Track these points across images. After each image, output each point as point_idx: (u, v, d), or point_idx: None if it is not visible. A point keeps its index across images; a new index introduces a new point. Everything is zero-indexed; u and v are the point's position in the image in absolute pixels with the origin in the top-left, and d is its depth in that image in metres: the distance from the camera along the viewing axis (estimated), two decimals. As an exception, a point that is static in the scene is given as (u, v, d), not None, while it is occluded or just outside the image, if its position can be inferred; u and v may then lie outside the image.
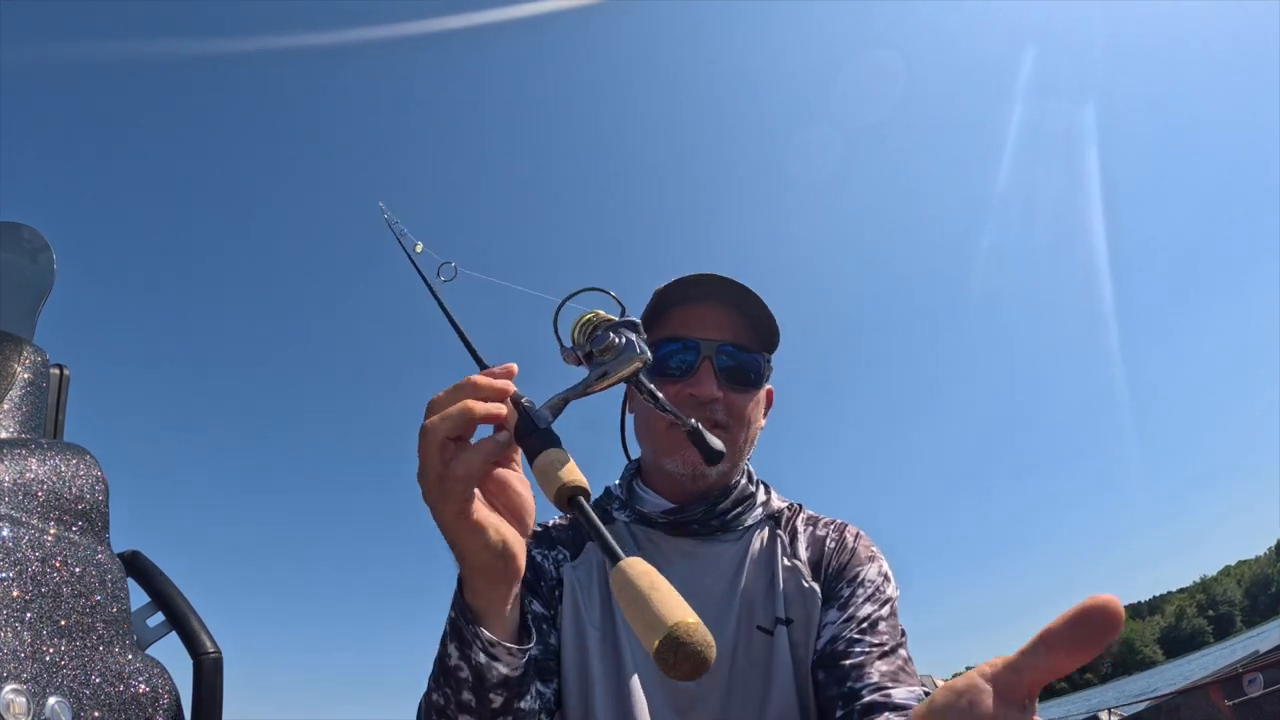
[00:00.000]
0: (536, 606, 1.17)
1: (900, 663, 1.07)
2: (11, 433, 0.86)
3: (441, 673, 0.83)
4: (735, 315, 1.25)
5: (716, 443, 0.95)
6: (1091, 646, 0.49)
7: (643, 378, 0.85)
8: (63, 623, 0.72)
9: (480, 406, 0.72)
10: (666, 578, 1.24)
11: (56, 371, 0.97)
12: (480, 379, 0.75)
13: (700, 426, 0.96)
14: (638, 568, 0.60)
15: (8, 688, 0.64)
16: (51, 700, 0.67)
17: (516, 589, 0.82)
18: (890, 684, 1.02)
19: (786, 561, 1.22)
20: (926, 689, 1.04)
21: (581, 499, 0.68)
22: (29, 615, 0.69)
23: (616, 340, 0.80)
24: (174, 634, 0.86)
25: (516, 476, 0.79)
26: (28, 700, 0.65)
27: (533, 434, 0.72)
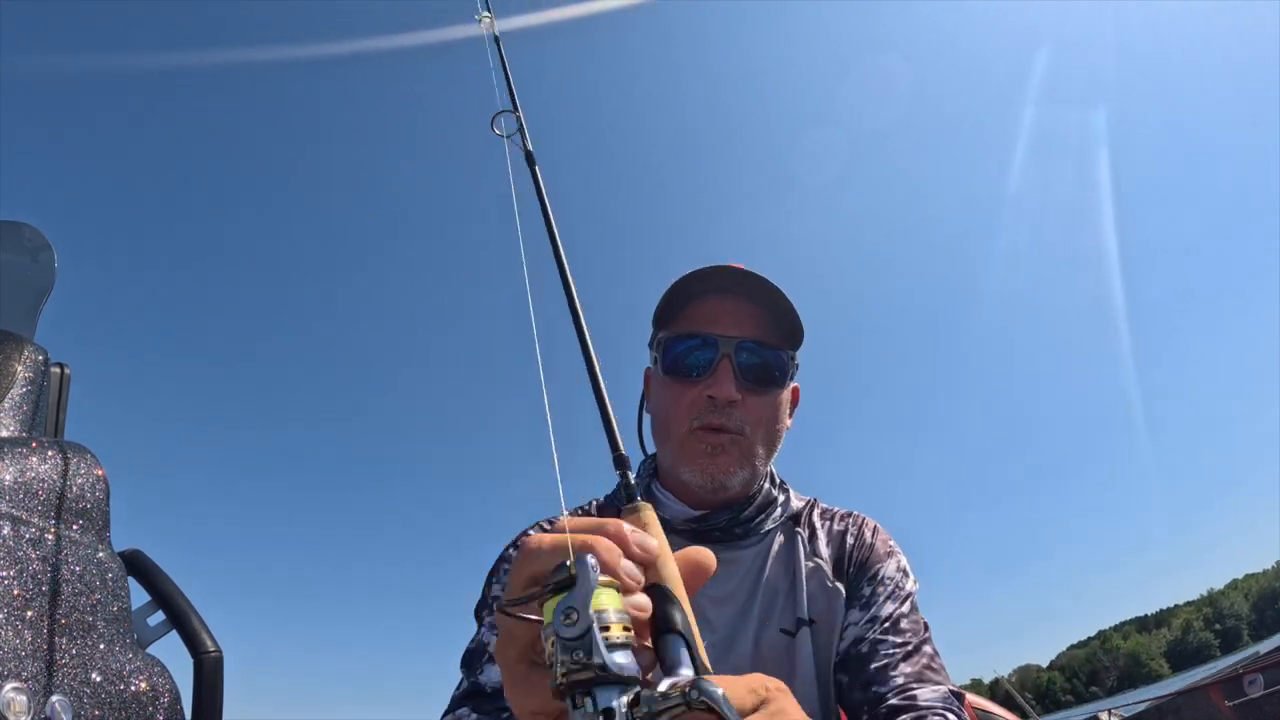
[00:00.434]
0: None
1: (925, 661, 1.06)
2: (12, 432, 0.86)
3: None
4: (757, 309, 1.18)
5: None
6: None
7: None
8: (63, 621, 0.72)
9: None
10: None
11: (57, 370, 0.96)
12: (627, 565, 0.55)
13: None
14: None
15: (8, 686, 0.63)
16: (52, 699, 0.66)
17: None
18: (915, 685, 1.02)
19: (808, 561, 1.19)
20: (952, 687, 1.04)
21: None
22: (30, 614, 0.69)
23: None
24: (174, 633, 0.85)
25: None
26: (28, 698, 0.64)
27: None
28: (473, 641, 1.11)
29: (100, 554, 0.79)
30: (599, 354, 0.74)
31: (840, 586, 1.16)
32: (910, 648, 1.06)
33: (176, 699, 0.77)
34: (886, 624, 1.10)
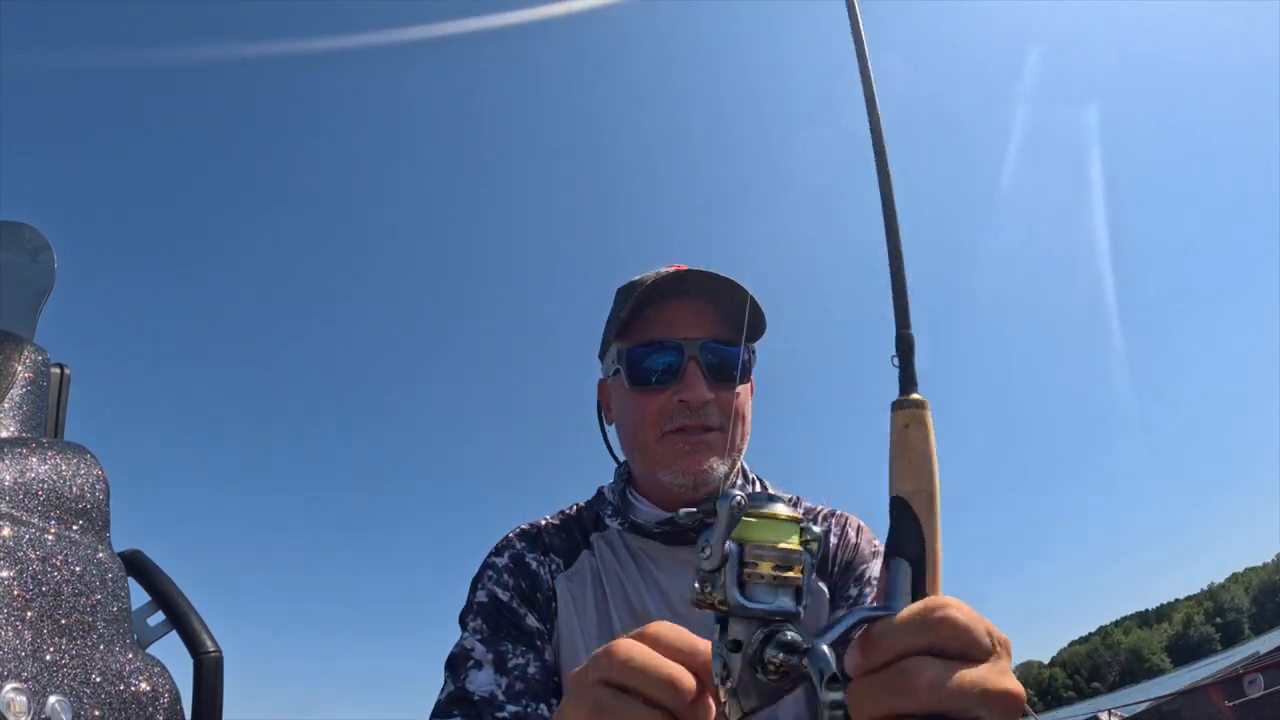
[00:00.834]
0: (531, 621, 1.13)
1: None
2: (12, 432, 0.86)
3: None
4: (714, 308, 1.18)
5: None
6: None
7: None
8: (63, 622, 0.72)
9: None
10: (660, 588, 1.22)
11: (57, 371, 0.96)
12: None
13: None
14: None
15: (8, 686, 0.63)
16: (52, 699, 0.66)
17: None
18: None
19: None
20: None
21: None
22: (29, 614, 0.69)
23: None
24: (174, 633, 0.85)
25: None
26: (28, 699, 0.64)
27: None
28: (456, 646, 1.11)
29: (100, 554, 0.79)
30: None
31: (824, 587, 1.15)
32: None
33: (176, 699, 0.77)
34: None
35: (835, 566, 1.18)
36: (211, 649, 0.85)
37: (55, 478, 0.79)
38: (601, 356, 1.28)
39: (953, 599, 0.55)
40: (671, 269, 1.19)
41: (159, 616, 0.86)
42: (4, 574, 0.69)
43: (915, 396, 0.60)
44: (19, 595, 0.69)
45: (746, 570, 0.55)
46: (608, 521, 1.25)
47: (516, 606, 1.14)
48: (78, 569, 0.75)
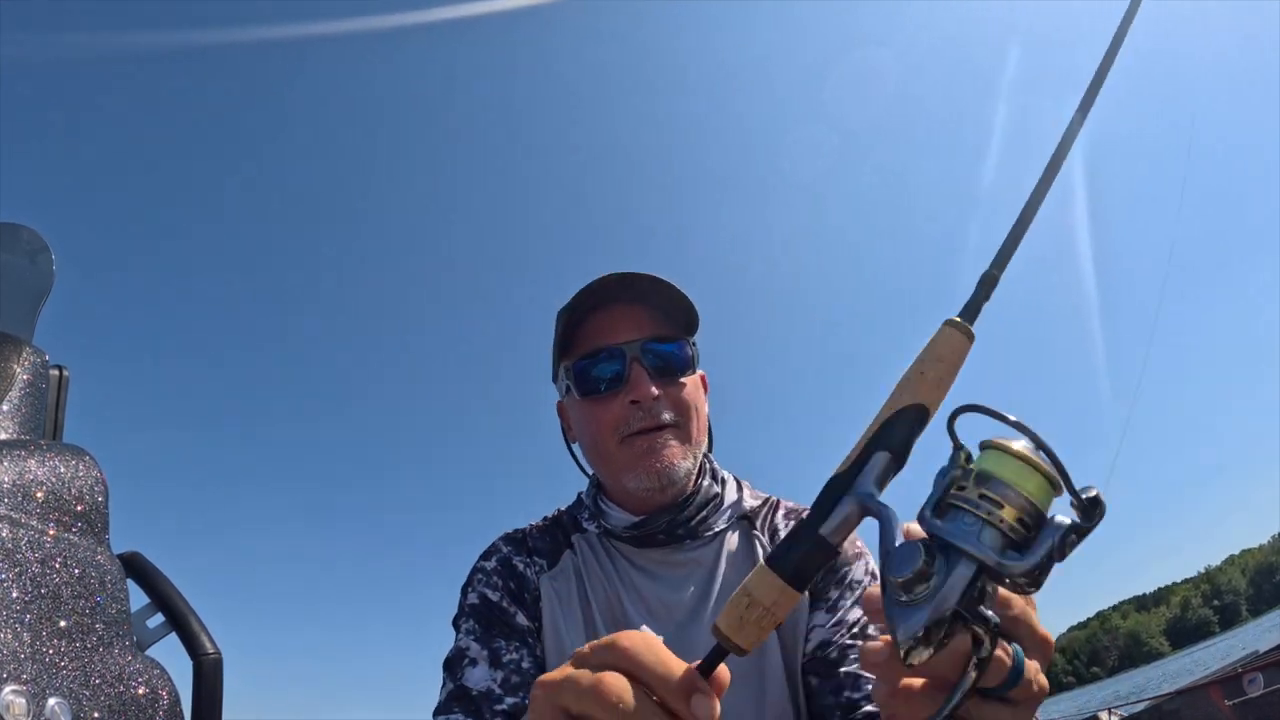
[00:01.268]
0: (521, 619, 1.16)
1: None
2: (11, 434, 0.86)
3: None
4: (647, 309, 1.21)
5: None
6: None
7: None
8: (62, 624, 0.72)
9: None
10: (638, 591, 1.23)
11: (56, 373, 0.97)
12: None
13: None
14: None
15: (7, 689, 0.64)
16: (51, 701, 0.67)
17: None
18: None
19: None
20: None
21: None
22: (29, 616, 0.69)
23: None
24: (174, 635, 0.86)
25: None
26: (27, 701, 0.65)
27: None
28: (452, 648, 1.14)
29: (99, 556, 0.79)
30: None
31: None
32: None
33: (176, 701, 0.78)
34: (855, 628, 1.09)
35: None
36: (211, 651, 0.85)
37: (54, 480, 0.80)
38: (554, 380, 1.31)
39: None
40: (604, 278, 1.20)
41: (158, 618, 0.87)
42: (3, 576, 0.69)
43: (969, 327, 0.58)
44: (18, 597, 0.69)
45: (983, 508, 0.49)
46: (585, 525, 1.28)
47: (506, 606, 1.17)
48: (77, 571, 0.75)
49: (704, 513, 1.21)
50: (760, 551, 1.20)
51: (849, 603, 1.12)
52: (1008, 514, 0.48)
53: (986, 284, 0.59)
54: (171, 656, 0.83)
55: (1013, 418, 0.50)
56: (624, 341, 1.18)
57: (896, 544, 0.50)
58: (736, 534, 1.24)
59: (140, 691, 0.75)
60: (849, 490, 0.54)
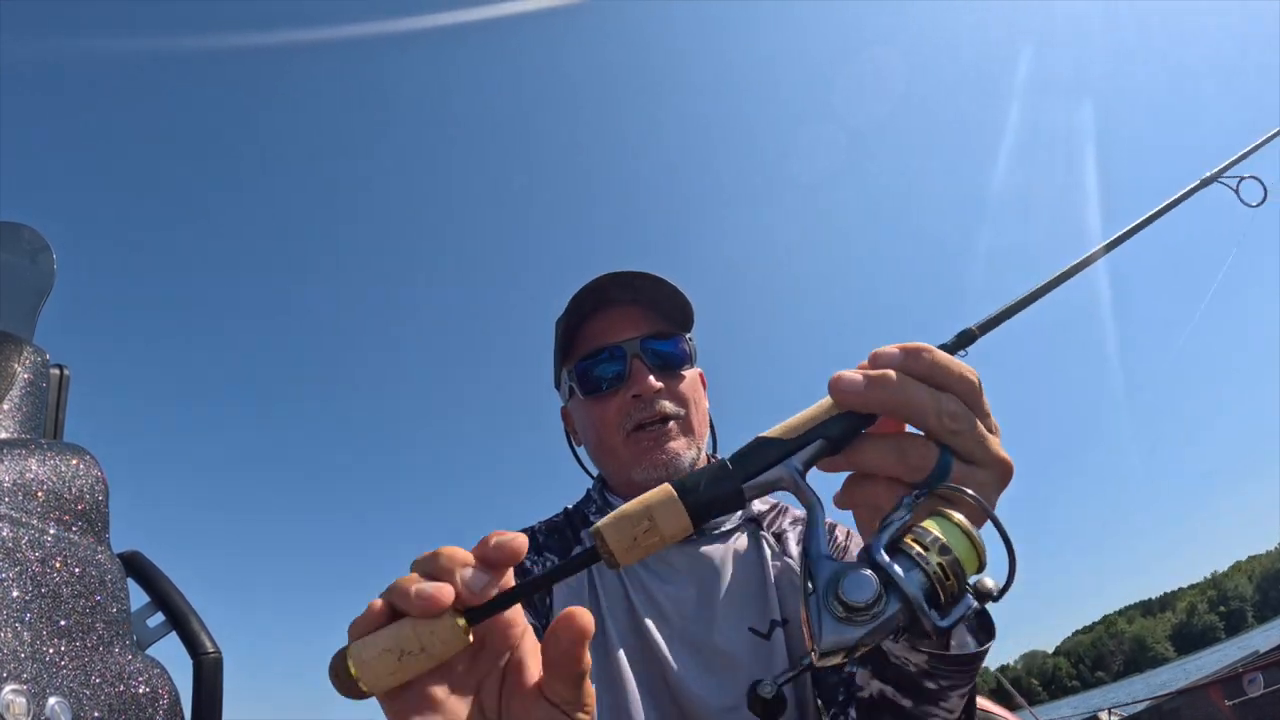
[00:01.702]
0: (529, 618, 1.15)
1: None
2: (11, 433, 0.86)
3: None
4: (643, 308, 1.25)
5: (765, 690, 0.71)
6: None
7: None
8: (63, 623, 0.72)
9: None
10: (645, 588, 1.23)
11: (56, 372, 0.96)
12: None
13: None
14: None
15: (8, 688, 0.63)
16: (51, 700, 0.66)
17: None
18: None
19: (776, 562, 1.21)
20: None
21: None
22: (29, 615, 0.69)
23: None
24: (174, 634, 0.86)
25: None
26: (28, 700, 0.64)
27: None
28: None
29: (99, 555, 0.79)
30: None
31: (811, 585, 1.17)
32: None
33: (176, 700, 0.77)
34: None
35: None
36: (211, 650, 0.85)
37: (55, 479, 0.79)
38: (557, 385, 1.34)
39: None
40: (600, 279, 1.23)
41: (158, 618, 0.86)
42: (3, 575, 0.68)
43: None
44: (18, 597, 0.69)
45: (918, 548, 0.54)
46: (593, 519, 1.29)
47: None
48: (77, 570, 0.75)
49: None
50: (769, 553, 1.22)
51: None
52: (950, 580, 0.53)
53: (963, 338, 0.63)
54: (172, 656, 0.83)
55: (973, 495, 0.56)
56: (623, 340, 1.21)
57: (822, 538, 0.56)
58: (745, 535, 1.25)
59: (140, 690, 0.74)
60: (783, 461, 0.58)
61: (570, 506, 1.37)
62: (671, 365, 1.22)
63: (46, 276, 1.06)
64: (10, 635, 0.66)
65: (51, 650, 0.69)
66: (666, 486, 0.58)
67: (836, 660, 0.52)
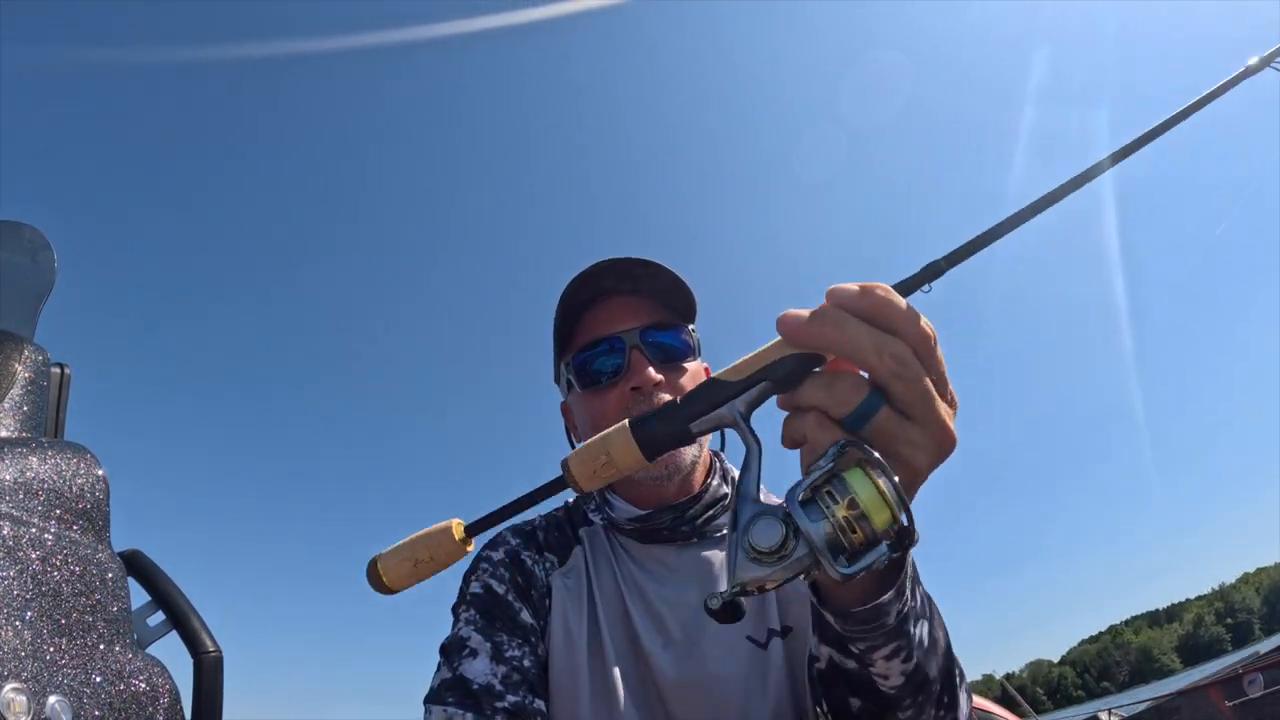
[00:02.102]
0: (526, 616, 1.13)
1: None
2: (12, 432, 0.86)
3: None
4: (644, 298, 1.20)
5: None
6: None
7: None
8: (63, 621, 0.71)
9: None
10: (641, 590, 1.22)
11: (57, 371, 0.96)
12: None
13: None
14: None
15: (8, 686, 0.63)
16: (51, 699, 0.66)
17: None
18: None
19: None
20: None
21: None
22: (29, 614, 0.69)
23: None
24: (174, 633, 0.85)
25: None
26: (28, 699, 0.64)
27: None
28: (451, 635, 1.12)
29: (100, 554, 0.79)
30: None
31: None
32: None
33: (176, 699, 0.77)
34: None
35: None
36: (211, 649, 0.84)
37: (55, 477, 0.79)
38: (556, 380, 1.30)
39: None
40: (597, 266, 1.19)
41: (159, 616, 0.86)
42: (3, 574, 0.68)
43: None
44: (19, 595, 0.69)
45: (830, 498, 0.56)
46: (591, 517, 1.27)
47: (512, 600, 1.14)
48: (78, 569, 0.75)
49: (711, 512, 1.20)
50: None
51: None
52: (856, 534, 0.55)
53: (929, 272, 0.64)
54: (172, 655, 0.82)
55: (879, 457, 0.56)
56: (622, 330, 1.17)
57: (754, 480, 0.60)
58: None
59: (141, 689, 0.74)
60: (729, 403, 0.61)
61: (570, 502, 1.35)
62: (672, 357, 1.17)
63: (47, 275, 1.06)
64: (11, 634, 0.66)
65: (52, 649, 0.69)
66: (623, 424, 0.65)
67: (746, 594, 0.57)
